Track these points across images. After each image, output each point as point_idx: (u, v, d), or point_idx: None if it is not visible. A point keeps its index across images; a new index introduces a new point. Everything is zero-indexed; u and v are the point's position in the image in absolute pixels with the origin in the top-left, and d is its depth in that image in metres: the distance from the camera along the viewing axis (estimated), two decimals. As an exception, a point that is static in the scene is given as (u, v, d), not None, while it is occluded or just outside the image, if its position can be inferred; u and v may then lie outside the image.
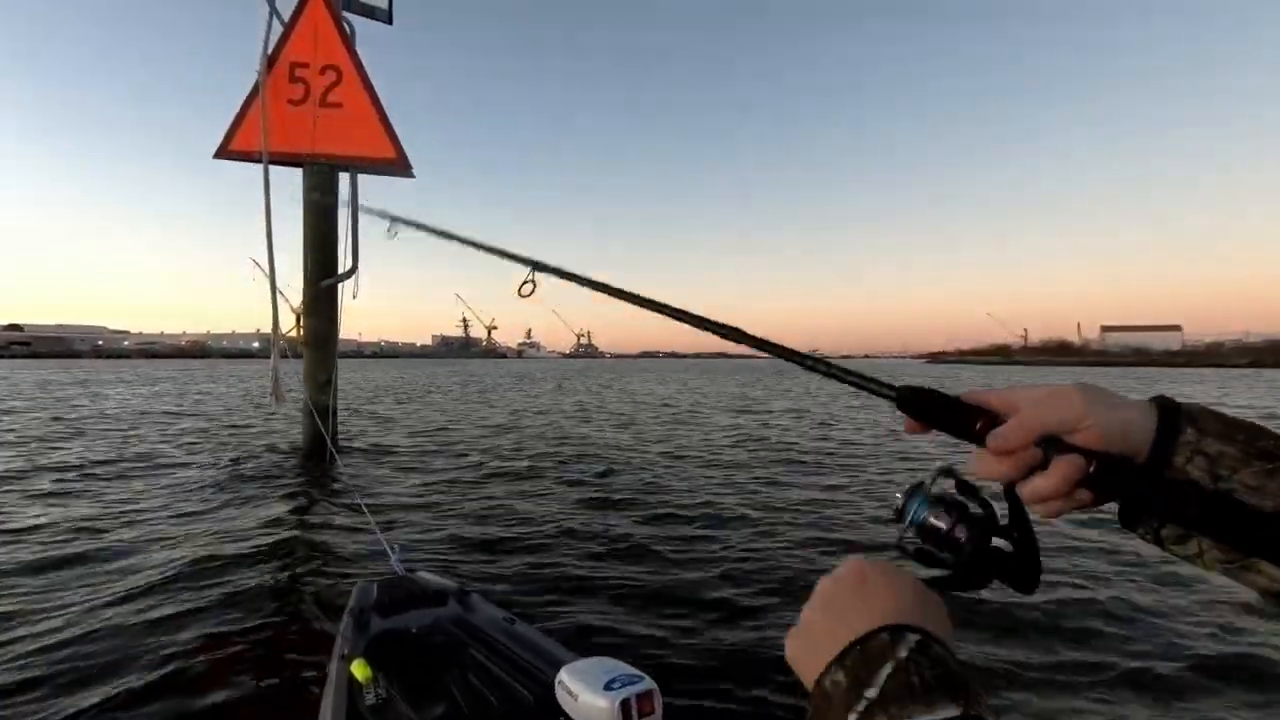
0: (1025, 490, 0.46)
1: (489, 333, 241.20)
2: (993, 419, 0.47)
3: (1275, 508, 0.41)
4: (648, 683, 1.39)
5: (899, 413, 0.52)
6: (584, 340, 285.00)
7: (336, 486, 6.34)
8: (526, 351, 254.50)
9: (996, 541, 0.47)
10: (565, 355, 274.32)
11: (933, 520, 0.48)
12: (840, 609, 0.45)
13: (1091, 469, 0.44)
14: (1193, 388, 28.91)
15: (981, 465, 0.48)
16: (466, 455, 8.67)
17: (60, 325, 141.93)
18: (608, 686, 1.36)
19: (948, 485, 0.51)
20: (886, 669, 0.37)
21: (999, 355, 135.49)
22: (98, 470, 7.15)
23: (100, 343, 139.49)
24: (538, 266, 0.92)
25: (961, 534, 0.47)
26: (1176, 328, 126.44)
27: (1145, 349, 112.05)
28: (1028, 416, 0.46)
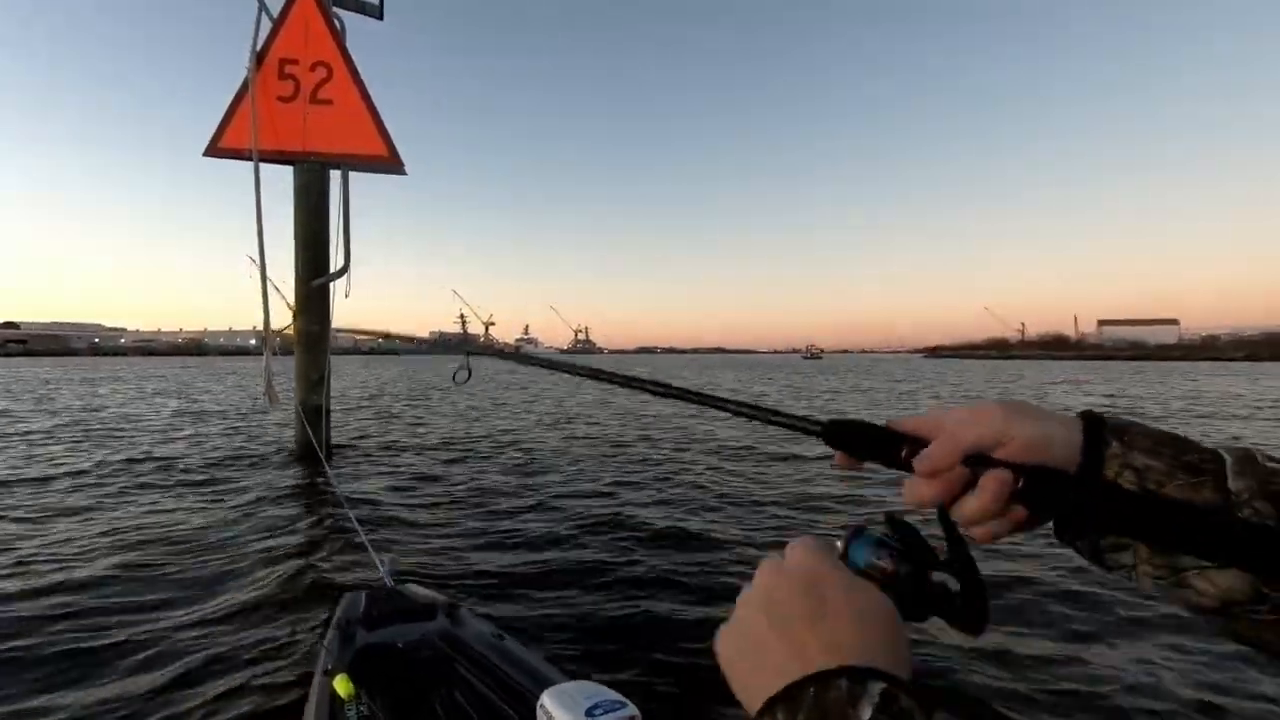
0: (958, 514, 0.45)
1: (486, 329, 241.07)
2: (919, 444, 0.46)
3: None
4: (630, 709, 1.35)
5: (829, 449, 0.50)
6: (581, 336, 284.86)
7: (326, 492, 6.20)
8: (524, 347, 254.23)
9: (938, 577, 0.44)
10: (563, 351, 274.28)
11: (875, 561, 0.44)
12: (787, 619, 0.39)
13: (1020, 483, 0.43)
14: (1193, 381, 28.96)
15: (911, 491, 0.47)
16: (466, 460, 8.63)
17: (57, 323, 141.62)
18: (589, 712, 1.32)
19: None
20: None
21: (997, 349, 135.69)
22: (78, 476, 7.09)
23: (97, 340, 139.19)
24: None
25: (900, 569, 0.44)
26: (1173, 321, 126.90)
27: (1142, 343, 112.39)
28: (950, 435, 0.45)
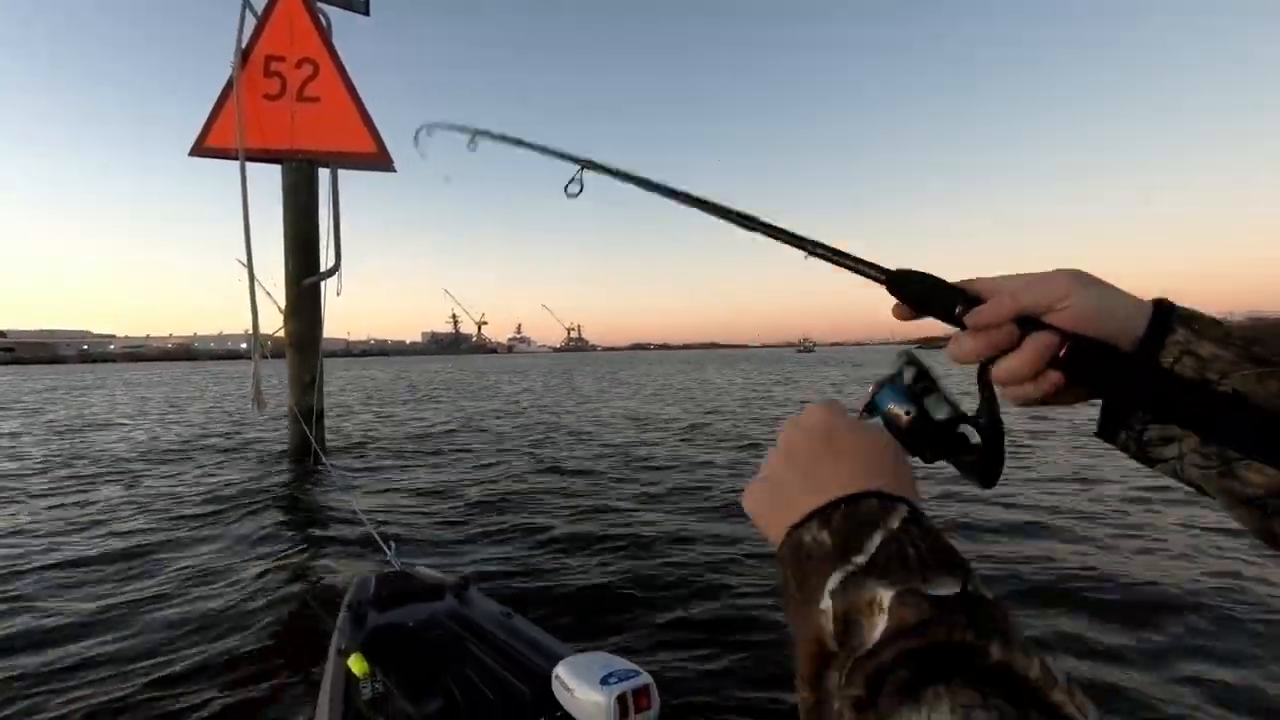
0: (996, 370, 0.46)
1: (479, 328, 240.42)
2: (975, 303, 0.46)
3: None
4: (644, 677, 1.38)
5: (891, 297, 0.51)
6: (574, 334, 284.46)
7: (326, 487, 6.25)
8: (517, 346, 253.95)
9: (963, 429, 0.46)
10: (556, 349, 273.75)
11: (893, 408, 0.46)
12: (809, 463, 0.42)
13: (1064, 350, 0.43)
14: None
15: (956, 345, 0.47)
16: (462, 459, 8.57)
17: (44, 330, 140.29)
18: (604, 681, 1.35)
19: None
20: (877, 537, 0.35)
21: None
22: (74, 479, 6.99)
23: (85, 347, 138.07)
24: (587, 164, 0.85)
25: (923, 417, 0.46)
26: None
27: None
28: (1007, 294, 0.45)
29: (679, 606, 3.37)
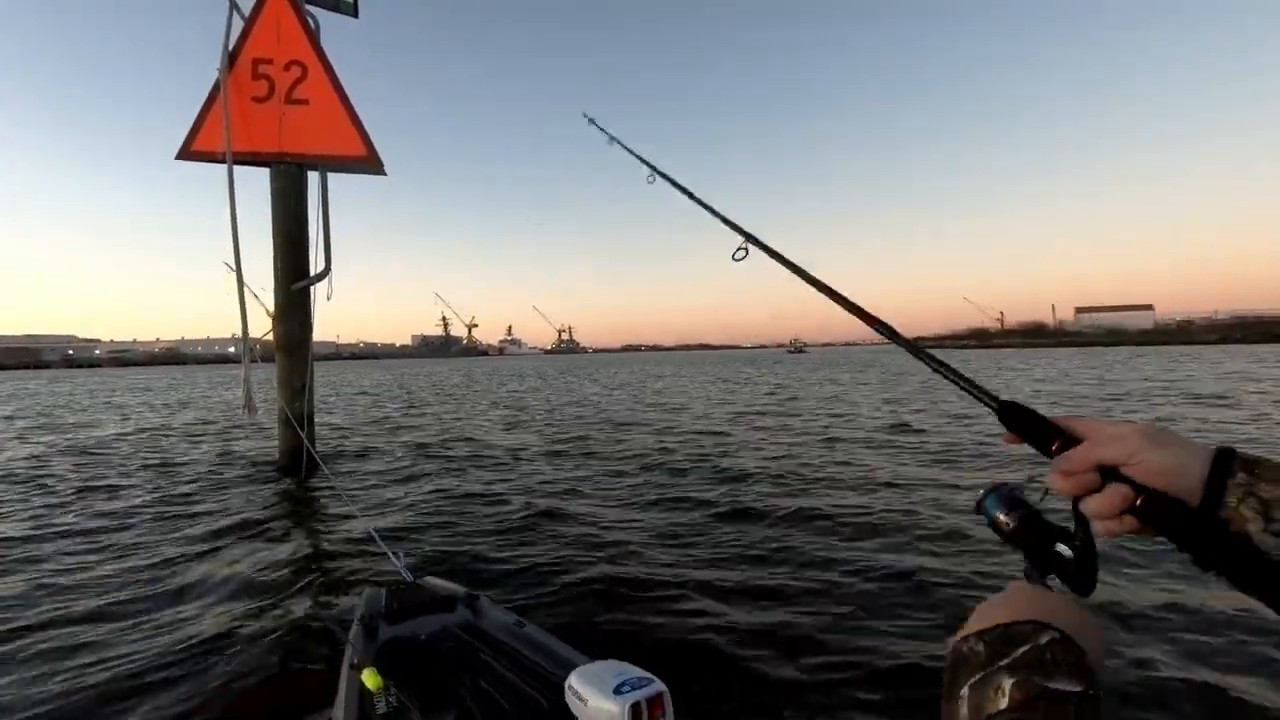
0: (1083, 506, 0.53)
1: (469, 331, 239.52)
2: (1069, 442, 0.54)
3: None
4: (658, 685, 1.37)
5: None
6: (565, 336, 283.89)
7: (326, 496, 6.15)
8: (508, 349, 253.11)
9: (1059, 548, 0.55)
10: (547, 351, 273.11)
11: (999, 515, 0.57)
12: (991, 611, 0.52)
13: (1139, 501, 0.51)
14: (1179, 368, 29.37)
15: (1051, 479, 0.55)
16: (460, 465, 8.50)
17: (29, 335, 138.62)
18: (617, 690, 1.34)
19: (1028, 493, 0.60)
20: (1024, 647, 0.44)
21: (977, 339, 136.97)
22: (78, 494, 6.88)
23: (70, 352, 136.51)
24: (751, 239, 0.99)
25: (1021, 530, 0.57)
26: (1148, 307, 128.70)
27: (1119, 328, 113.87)
28: (1089, 447, 0.53)
29: (694, 615, 3.33)
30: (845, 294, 0.79)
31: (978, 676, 0.44)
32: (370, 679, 1.73)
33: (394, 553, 2.94)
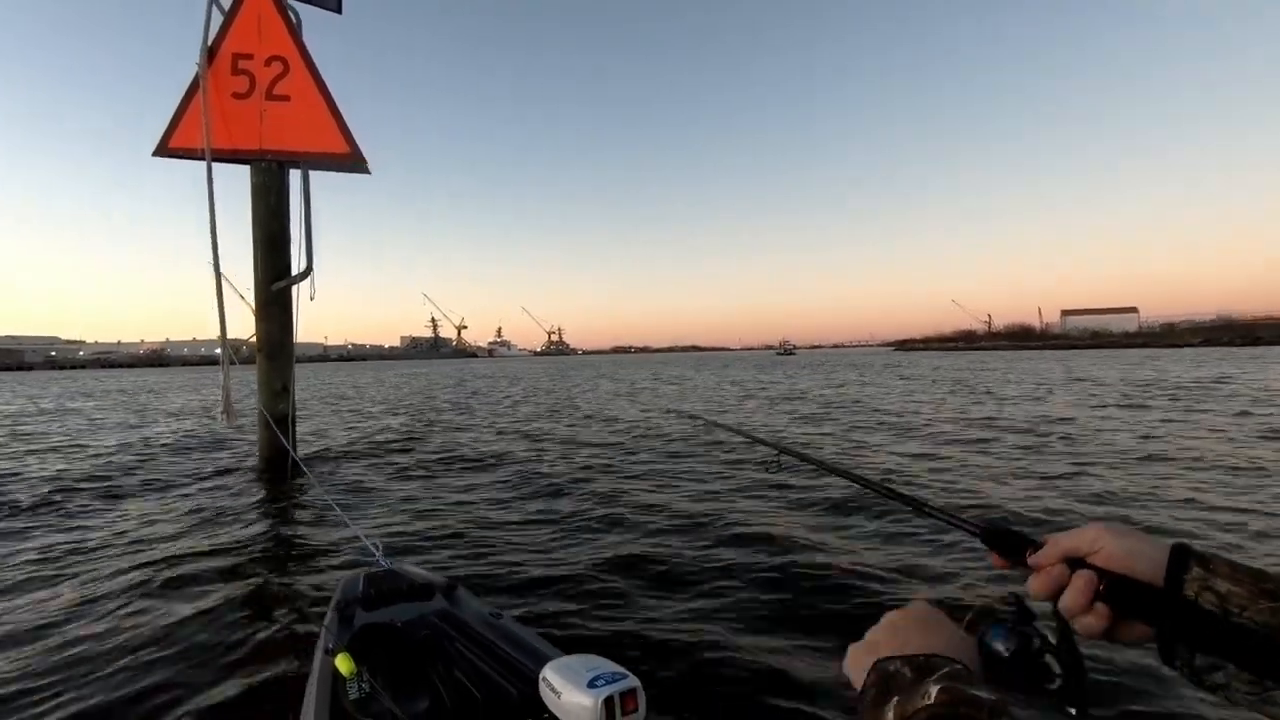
0: (1061, 606, 0.56)
1: (459, 332, 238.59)
2: (1038, 548, 0.60)
3: None
4: (631, 680, 1.39)
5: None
6: (555, 337, 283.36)
7: (306, 496, 6.09)
8: (497, 350, 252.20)
9: (1047, 659, 0.55)
10: (536, 353, 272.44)
11: (997, 646, 0.57)
12: (905, 635, 0.57)
13: (1103, 585, 0.54)
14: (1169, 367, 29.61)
15: (1030, 584, 0.59)
16: (447, 462, 8.38)
17: (10, 336, 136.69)
18: (591, 684, 1.36)
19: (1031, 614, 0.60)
20: (945, 669, 0.49)
21: (965, 341, 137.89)
22: (52, 494, 6.70)
23: (54, 353, 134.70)
24: (784, 451, 1.12)
25: (1015, 650, 0.56)
26: (1133, 309, 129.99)
27: (1104, 331, 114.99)
28: (1055, 541, 0.59)
29: (668, 609, 3.37)
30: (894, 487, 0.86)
31: (909, 690, 0.48)
32: (343, 664, 1.74)
33: (372, 542, 2.97)
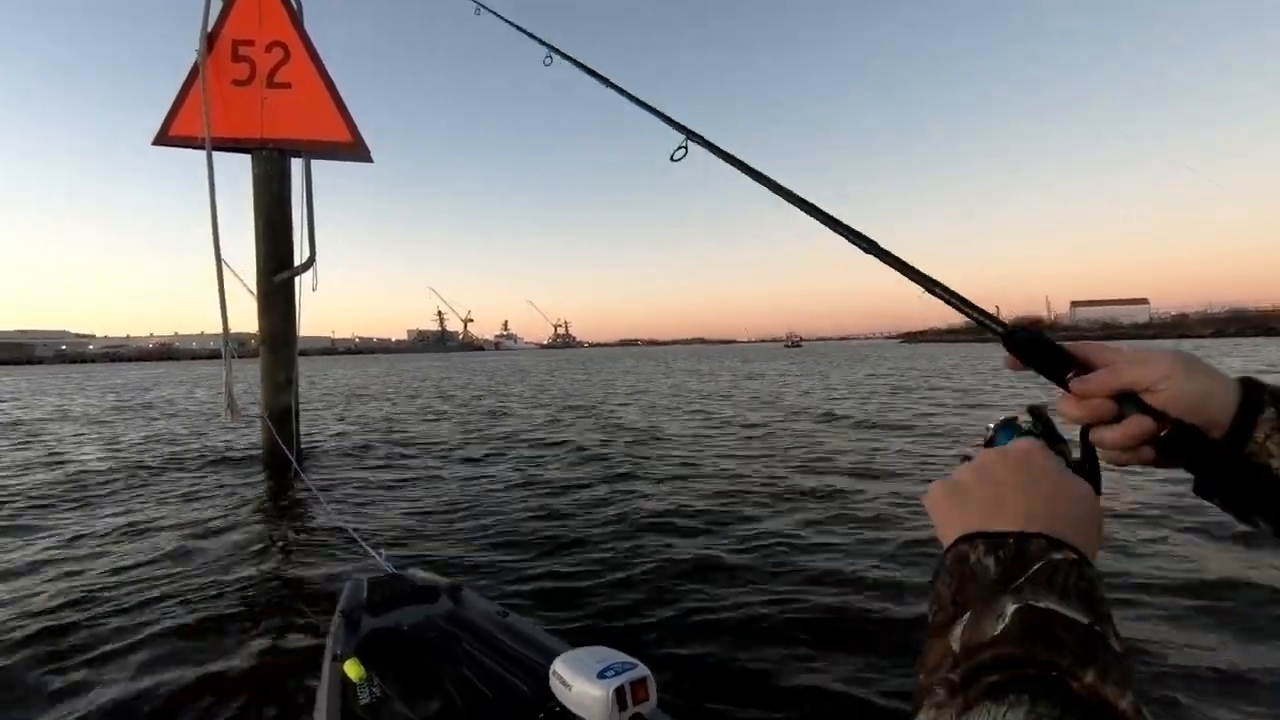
0: (1094, 435, 0.49)
1: (465, 326, 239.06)
2: (1084, 370, 0.49)
3: None
4: (641, 669, 1.38)
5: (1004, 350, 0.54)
6: (562, 330, 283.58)
7: (306, 494, 5.95)
8: (504, 343, 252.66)
9: None
10: (543, 346, 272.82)
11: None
12: (1000, 488, 0.45)
13: (1163, 433, 0.46)
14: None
15: (1062, 405, 0.51)
16: (441, 453, 8.29)
17: (21, 330, 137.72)
18: (601, 675, 1.35)
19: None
20: (1042, 563, 0.38)
21: (973, 334, 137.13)
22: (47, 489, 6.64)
23: (64, 347, 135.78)
24: (691, 136, 0.88)
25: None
26: (1144, 301, 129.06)
27: (1115, 322, 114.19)
28: (1112, 369, 0.48)
29: (677, 600, 3.36)
30: (813, 201, 0.69)
31: (987, 599, 0.38)
32: (353, 670, 1.73)
33: (374, 546, 2.87)
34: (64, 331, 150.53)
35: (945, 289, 0.59)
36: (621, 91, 1.06)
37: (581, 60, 1.09)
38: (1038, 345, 0.52)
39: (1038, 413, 0.52)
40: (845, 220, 0.67)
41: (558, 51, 1.05)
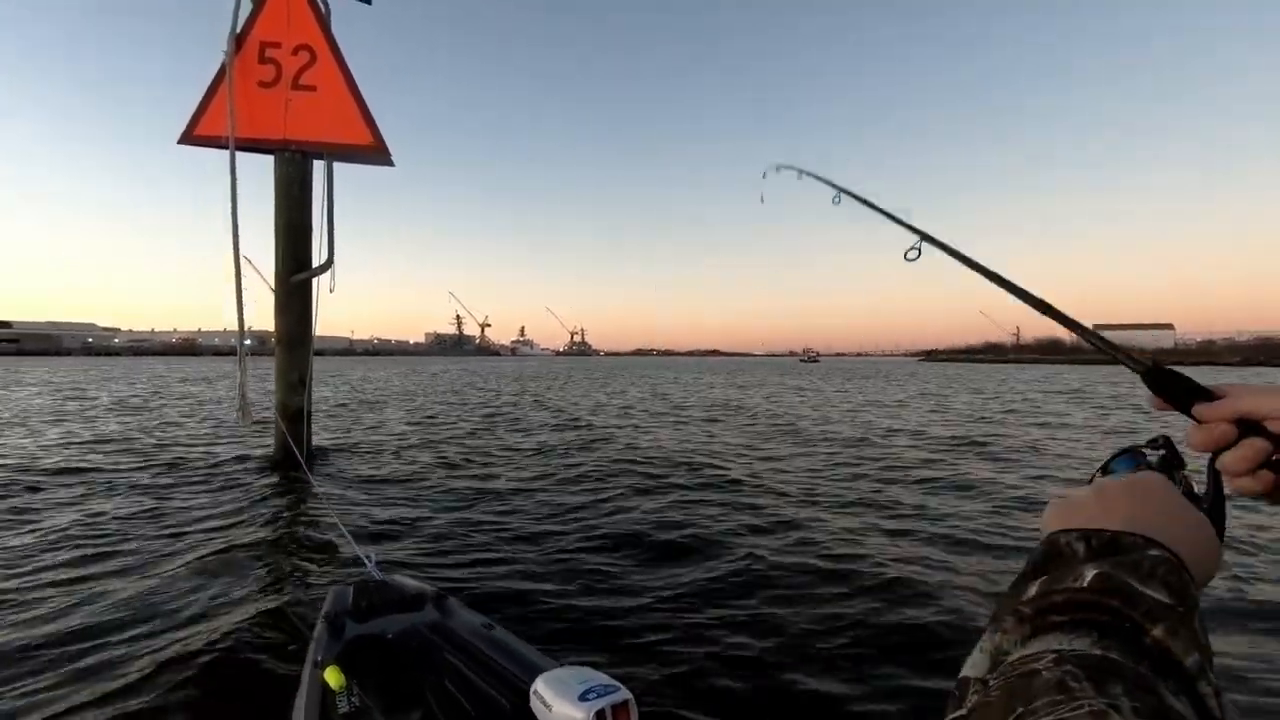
0: (1218, 462, 0.50)
1: (482, 330, 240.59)
2: (1210, 399, 0.52)
3: None
4: (623, 693, 1.37)
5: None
6: (577, 338, 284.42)
7: (307, 494, 5.97)
8: (520, 349, 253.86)
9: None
10: (558, 353, 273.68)
11: (1126, 474, 0.51)
12: (1110, 500, 0.46)
13: (1275, 456, 0.48)
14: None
15: (1189, 434, 0.52)
16: (446, 458, 8.27)
17: (50, 323, 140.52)
18: (582, 697, 1.34)
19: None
20: (1134, 556, 0.39)
21: (993, 353, 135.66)
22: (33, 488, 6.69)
23: (90, 340, 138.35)
24: (925, 238, 0.94)
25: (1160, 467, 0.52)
26: (1169, 326, 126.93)
27: (1137, 347, 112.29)
28: (1232, 398, 0.50)
29: (662, 621, 3.29)
30: (1024, 286, 0.74)
31: (1063, 569, 0.39)
32: (333, 677, 1.71)
33: (364, 552, 2.87)
34: (91, 324, 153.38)
35: (1100, 338, 0.66)
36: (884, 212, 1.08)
37: (866, 197, 1.15)
38: (1171, 380, 0.55)
39: (1161, 441, 0.54)
40: (1050, 301, 0.71)
41: (847, 192, 1.16)
